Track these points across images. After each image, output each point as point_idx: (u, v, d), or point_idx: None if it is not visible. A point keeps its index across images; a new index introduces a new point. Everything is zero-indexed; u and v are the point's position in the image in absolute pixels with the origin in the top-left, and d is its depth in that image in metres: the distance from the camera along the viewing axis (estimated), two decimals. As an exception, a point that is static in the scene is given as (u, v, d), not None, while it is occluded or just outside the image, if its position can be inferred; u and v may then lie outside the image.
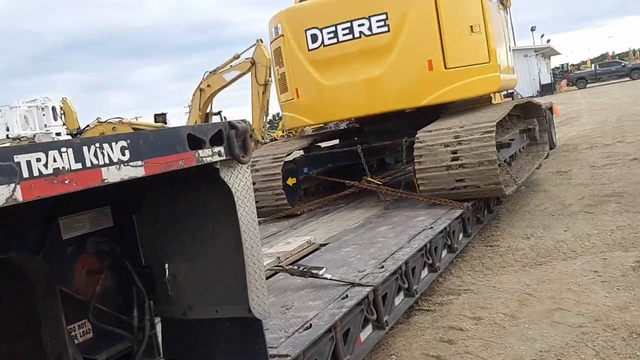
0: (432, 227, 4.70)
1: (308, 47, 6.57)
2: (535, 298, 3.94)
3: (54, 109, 13.80)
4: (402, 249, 4.12)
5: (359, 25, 6.27)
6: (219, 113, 30.07)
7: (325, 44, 6.45)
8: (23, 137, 13.31)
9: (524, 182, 6.86)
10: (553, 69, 57.20)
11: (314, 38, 6.51)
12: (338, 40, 6.37)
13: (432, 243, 4.45)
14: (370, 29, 6.25)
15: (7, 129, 13.09)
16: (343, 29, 6.33)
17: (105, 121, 22.44)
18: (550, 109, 12.16)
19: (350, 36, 6.31)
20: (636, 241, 4.77)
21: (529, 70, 47.58)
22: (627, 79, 45.56)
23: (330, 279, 3.44)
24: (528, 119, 8.48)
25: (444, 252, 4.80)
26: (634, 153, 9.36)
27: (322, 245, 4.81)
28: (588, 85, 46.92)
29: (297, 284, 3.57)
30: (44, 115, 13.60)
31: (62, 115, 24.46)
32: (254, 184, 6.29)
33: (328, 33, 6.40)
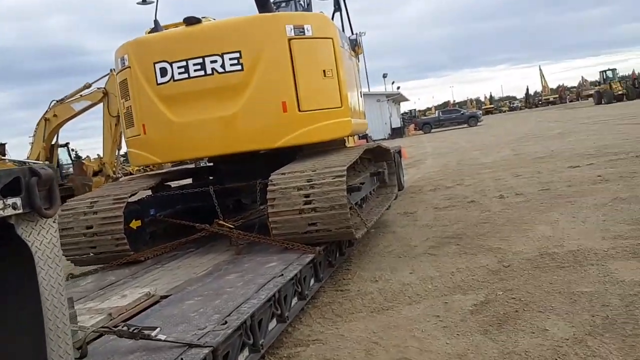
0: (282, 274, 4.53)
1: (157, 81, 6.21)
2: (381, 347, 3.90)
3: None
4: (249, 300, 3.89)
5: (212, 62, 6.06)
6: (66, 145, 27.93)
7: (176, 78, 6.14)
8: None
9: (374, 224, 7.01)
10: (402, 114, 61.60)
11: (163, 72, 6.17)
12: (189, 75, 6.10)
13: (282, 292, 4.27)
14: (223, 66, 6.07)
15: None
16: (195, 64, 6.08)
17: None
18: (399, 152, 12.88)
19: (202, 72, 6.08)
20: (473, 284, 5.00)
21: (381, 114, 50.66)
22: (465, 125, 50.34)
23: (164, 340, 3.09)
24: (378, 162, 8.79)
25: (295, 300, 4.64)
26: (470, 195, 10.10)
27: (163, 297, 4.41)
28: (432, 130, 51.05)
29: (127, 347, 3.17)
30: None
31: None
32: (91, 227, 5.78)
33: (179, 67, 6.11)
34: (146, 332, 3.12)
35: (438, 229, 7.71)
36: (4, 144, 26.73)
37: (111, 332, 3.18)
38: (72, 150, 29.70)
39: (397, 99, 57.69)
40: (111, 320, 3.79)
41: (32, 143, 23.95)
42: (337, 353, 3.88)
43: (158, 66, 6.18)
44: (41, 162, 21.51)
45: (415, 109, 70.98)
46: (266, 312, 3.95)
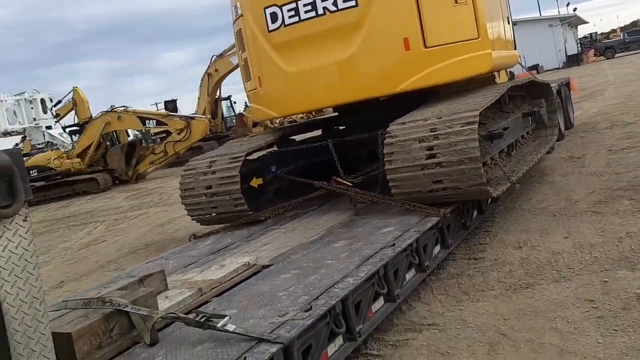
0: (393, 244, 3.88)
1: (268, 27, 5.73)
2: (510, 341, 3.12)
3: (42, 101, 13.20)
4: (346, 278, 3.32)
5: (323, 0, 5.39)
6: (228, 98, 29.40)
7: (286, 23, 5.61)
8: (12, 131, 12.79)
9: (527, 174, 5.96)
10: (580, 39, 54.85)
11: (274, 17, 5.67)
12: (300, 18, 5.52)
13: (390, 266, 3.64)
14: (335, 4, 5.38)
15: (-6, 124, 12.60)
16: (305, 5, 5.47)
17: (111, 110, 21.90)
18: (567, 84, 11.09)
19: (314, 13, 5.45)
20: (647, 256, 3.88)
21: (554, 41, 45.64)
22: (659, 47, 43.28)
23: (232, 332, 2.67)
24: (535, 100, 7.51)
25: (410, 274, 3.98)
26: (657, 134, 8.31)
27: (264, 266, 4.04)
28: (617, 55, 44.72)
29: (198, 336, 2.82)
30: (32, 108, 13.01)
31: (74, 106, 24.06)
32: (210, 187, 5.61)
33: (289, 11, 5.55)
34: (215, 320, 2.72)
35: (609, 177, 6.37)
36: (175, 100, 28.95)
37: (179, 319, 2.85)
38: (234, 102, 31.13)
39: (572, 22, 51.37)
40: (201, 295, 3.51)
41: (199, 98, 25.54)
42: (453, 346, 3.19)
43: (268, 11, 5.68)
44: (206, 116, 22.79)
45: (596, 32, 62.66)
46: (367, 292, 3.36)
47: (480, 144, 4.74)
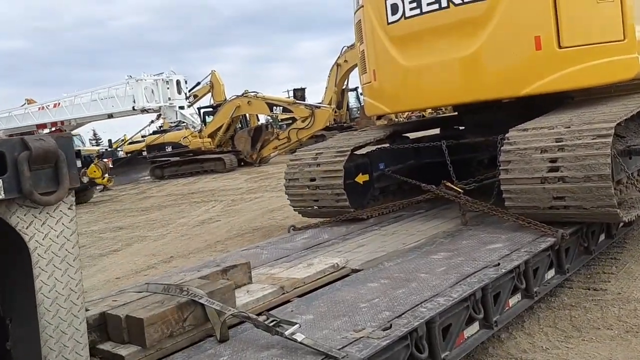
0: (498, 264, 3.49)
1: (387, 19, 5.46)
2: (623, 398, 2.64)
3: (178, 82, 13.98)
4: (436, 297, 3.02)
5: (448, -8, 5.02)
6: (355, 89, 29.38)
7: (407, 15, 5.30)
8: (149, 108, 13.72)
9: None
10: None
11: (394, 9, 5.38)
12: (422, 11, 5.18)
13: (491, 289, 3.27)
14: (461, -4, 4.98)
15: (134, 101, 13.54)
16: (428, -3, 5.13)
17: (243, 95, 22.82)
18: None
19: (437, 5, 5.09)
20: None
21: None
22: None
23: (300, 342, 2.50)
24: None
25: (515, 299, 3.56)
26: None
27: (354, 270, 3.84)
28: None
29: (267, 340, 2.69)
30: (168, 88, 13.84)
31: (211, 88, 25.46)
32: (313, 179, 5.51)
33: (410, 2, 5.24)
34: (285, 327, 2.58)
35: None
36: (303, 89, 29.48)
37: (249, 320, 2.74)
38: (361, 94, 31.02)
39: None
40: (282, 294, 3.39)
41: (326, 87, 25.81)
42: (551, 391, 2.77)
43: (389, 2, 5.41)
44: (331, 106, 22.97)
45: None
46: (458, 315, 3.04)
47: (615, 160, 4.16)
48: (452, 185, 5.08)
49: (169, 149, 23.71)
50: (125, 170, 24.47)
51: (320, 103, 24.28)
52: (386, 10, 5.45)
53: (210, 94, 25.56)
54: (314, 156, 5.67)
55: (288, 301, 3.35)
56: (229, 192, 14.08)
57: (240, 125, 24.27)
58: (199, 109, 25.31)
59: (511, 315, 3.50)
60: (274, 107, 22.05)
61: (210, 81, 25.56)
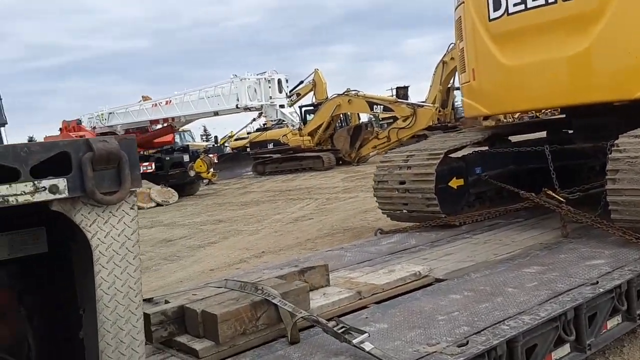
0: (596, 282, 3.18)
1: (489, 16, 5.18)
2: None
3: (279, 81, 14.25)
4: (520, 315, 2.80)
5: (556, -13, 4.66)
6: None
7: (510, 11, 4.99)
8: (251, 107, 14.12)
9: None
10: None
11: (497, 4, 5.09)
12: (526, 6, 4.86)
13: (585, 309, 2.98)
14: (570, -10, 4.61)
15: (237, 99, 14.01)
16: (534, -8, 4.80)
17: (343, 93, 22.94)
18: None
19: (543, 1, 4.75)
20: None
21: None
22: None
23: (367, 352, 2.41)
24: None
25: (615, 321, 3.23)
26: None
27: (437, 280, 3.67)
28: None
29: (336, 346, 2.62)
30: (270, 87, 14.16)
31: (313, 87, 25.89)
32: (403, 182, 5.37)
33: (514, -3, 4.93)
34: (354, 334, 2.50)
35: None
36: (406, 87, 29.03)
37: (318, 324, 2.68)
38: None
39: None
40: (358, 299, 3.31)
41: (430, 86, 25.25)
42: None
43: (491, -2, 5.13)
44: (434, 105, 22.44)
45: None
46: (545, 336, 2.79)
47: None
48: (553, 194, 4.72)
49: (270, 146, 24.37)
50: (230, 166, 25.50)
51: (423, 102, 23.80)
52: (488, 6, 5.17)
53: (312, 92, 25.96)
54: (404, 158, 5.52)
55: (364, 307, 3.27)
56: (324, 191, 14.18)
57: (340, 124, 24.39)
58: (300, 107, 25.77)
59: (608, 339, 3.18)
60: (375, 106, 21.90)
61: (312, 80, 25.94)
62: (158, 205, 15.11)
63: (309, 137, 23.90)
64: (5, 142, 14.38)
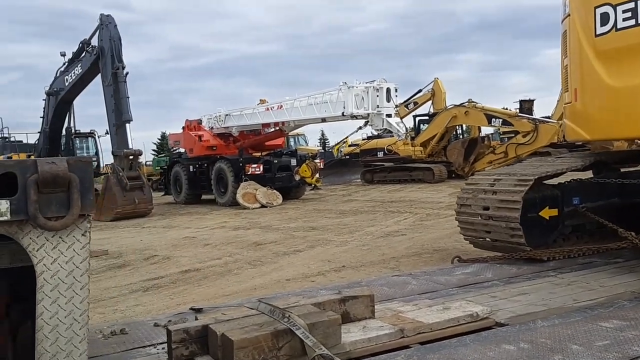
0: (684, 353, 2.66)
1: (595, 31, 4.63)
2: None
3: (388, 90, 14.00)
4: (574, 383, 2.41)
5: (676, -1, 4.05)
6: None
7: (619, 27, 4.42)
8: (357, 115, 14.04)
9: None
10: None
11: (604, 19, 4.54)
12: (637, 22, 4.27)
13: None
14: (695, 2, 3.97)
15: (344, 107, 13.98)
16: (648, 5, 4.20)
17: (460, 104, 22.17)
18: None
19: (657, 15, 4.14)
20: None
21: None
22: None
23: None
24: None
25: None
26: None
27: (497, 324, 3.31)
28: None
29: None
30: (377, 96, 13.97)
31: (432, 96, 25.32)
32: (487, 208, 4.97)
33: (624, 12, 4.36)
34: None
35: None
36: (531, 100, 27.34)
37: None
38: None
39: None
40: (401, 337, 3.06)
41: (558, 101, 23.59)
42: None
43: (599, 11, 4.58)
44: (559, 121, 20.94)
45: None
46: (604, 413, 2.38)
47: None
48: (656, 236, 4.10)
49: (381, 155, 24.15)
50: (339, 171, 25.67)
51: (548, 117, 22.32)
52: (595, 20, 4.63)
53: (430, 101, 25.36)
54: (491, 182, 5.11)
55: (406, 347, 3.01)
56: (427, 205, 13.73)
57: (454, 136, 23.59)
58: (414, 116, 25.28)
59: None
60: (493, 119, 20.87)
61: (432, 88, 25.35)
62: (262, 206, 15.53)
63: (421, 148, 23.37)
64: (130, 138, 15.58)
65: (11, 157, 18.24)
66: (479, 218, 5.11)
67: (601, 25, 4.58)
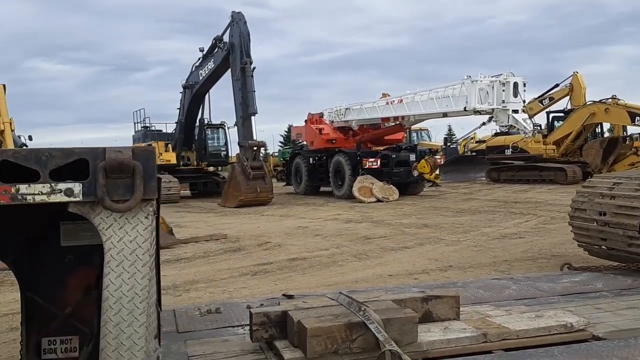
0: None
1: None
2: None
3: (515, 85, 13.29)
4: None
5: None
6: None
7: None
8: (481, 110, 13.51)
9: None
10: None
11: None
12: None
13: None
14: None
15: (466, 101, 13.53)
16: None
17: (600, 101, 20.55)
18: None
19: None
20: None
21: None
22: None
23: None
24: None
25: None
26: None
27: (595, 338, 3.07)
28: None
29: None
30: (503, 91, 13.33)
31: (570, 91, 23.69)
32: (604, 214, 4.61)
33: None
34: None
35: None
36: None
37: (403, 360, 2.46)
38: None
39: None
40: (483, 342, 2.95)
41: None
42: None
43: None
44: None
45: None
46: None
47: None
48: None
49: (508, 152, 23.06)
50: (463, 168, 24.93)
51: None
52: None
53: (568, 97, 23.75)
54: (610, 185, 4.71)
55: (488, 352, 2.90)
56: (554, 208, 12.90)
57: (592, 135, 21.89)
58: (547, 112, 23.81)
59: None
60: (637, 118, 19.07)
61: (570, 83, 23.74)
62: (378, 200, 15.56)
63: (554, 146, 21.99)
64: (254, 130, 16.35)
65: (151, 145, 19.96)
66: (595, 224, 4.74)
67: None
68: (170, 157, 19.84)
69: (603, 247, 4.79)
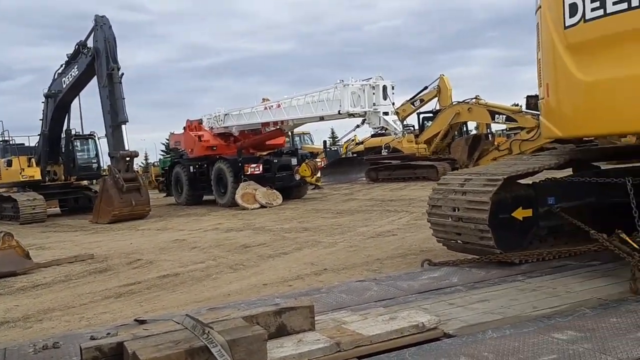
0: (631, 369, 2.48)
1: (564, 23, 4.42)
2: None
3: (384, 88, 13.78)
4: (501, 405, 2.23)
5: (644, -14, 3.82)
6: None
7: (587, 18, 4.20)
8: (354, 113, 13.86)
9: None
10: None
11: (573, 9, 4.32)
12: (605, 12, 4.05)
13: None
14: (662, -9, 3.75)
15: (340, 105, 13.80)
16: (615, -6, 3.98)
17: (463, 101, 21.92)
18: None
19: (625, 5, 3.92)
20: None
21: None
22: None
23: None
24: None
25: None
26: None
27: (446, 335, 3.13)
28: None
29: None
30: (374, 94, 13.76)
31: (438, 93, 25.03)
32: (456, 209, 4.79)
33: (592, 1, 4.14)
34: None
35: None
36: (537, 96, 26.99)
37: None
38: None
39: None
40: (337, 351, 2.90)
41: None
42: None
43: (567, 1, 4.37)
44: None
45: None
46: None
47: None
48: (626, 238, 3.89)
49: (384, 152, 23.96)
50: (346, 170, 25.51)
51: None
52: (564, 11, 4.41)
53: (436, 98, 25.10)
54: (461, 182, 4.92)
55: (341, 361, 2.86)
56: (425, 203, 13.47)
57: (458, 133, 23.34)
58: (418, 114, 25.04)
59: None
60: (497, 115, 20.57)
61: (437, 85, 25.09)
62: (262, 206, 15.41)
63: (425, 145, 23.15)
64: (125, 140, 15.50)
65: (11, 161, 18.33)
66: (450, 219, 4.93)
67: (570, 17, 4.37)
68: (34, 173, 18.31)
69: (459, 241, 4.99)
